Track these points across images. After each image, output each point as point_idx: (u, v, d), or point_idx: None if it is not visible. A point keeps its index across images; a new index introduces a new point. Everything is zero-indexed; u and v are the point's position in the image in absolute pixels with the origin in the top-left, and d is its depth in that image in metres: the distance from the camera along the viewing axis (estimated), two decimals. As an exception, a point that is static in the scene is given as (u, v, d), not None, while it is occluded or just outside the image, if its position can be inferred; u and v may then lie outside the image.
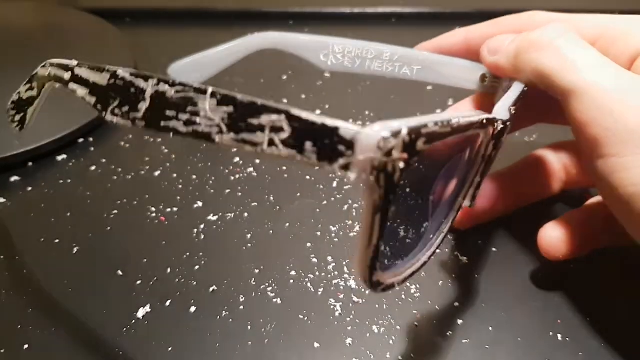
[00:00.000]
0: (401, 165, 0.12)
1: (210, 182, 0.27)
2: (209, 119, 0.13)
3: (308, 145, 0.12)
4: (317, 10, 0.45)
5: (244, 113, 0.13)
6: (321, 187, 0.27)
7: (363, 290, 0.22)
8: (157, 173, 0.28)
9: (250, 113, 0.13)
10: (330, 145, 0.12)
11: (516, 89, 0.20)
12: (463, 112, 0.16)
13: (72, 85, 0.16)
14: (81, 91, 0.16)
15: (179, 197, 0.26)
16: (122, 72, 0.15)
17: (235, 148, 0.13)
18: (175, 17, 0.45)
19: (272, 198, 0.27)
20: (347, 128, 0.12)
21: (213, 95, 0.13)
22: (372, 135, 0.12)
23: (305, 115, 0.12)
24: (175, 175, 0.28)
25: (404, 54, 0.24)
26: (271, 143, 0.13)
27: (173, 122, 0.14)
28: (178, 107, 0.13)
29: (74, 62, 0.16)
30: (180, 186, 0.27)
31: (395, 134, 0.12)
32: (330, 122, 0.12)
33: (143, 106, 0.14)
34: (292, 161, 0.12)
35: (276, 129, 0.12)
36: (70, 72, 0.16)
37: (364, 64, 0.24)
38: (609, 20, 0.21)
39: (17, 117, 0.21)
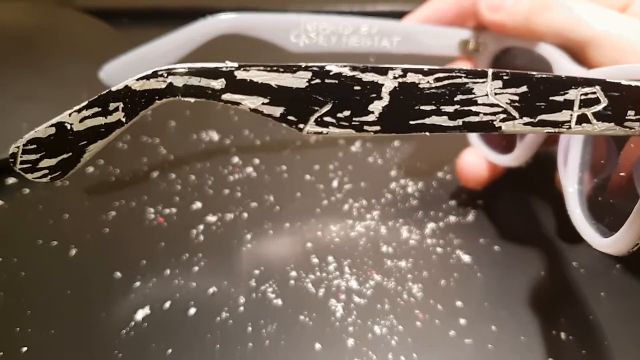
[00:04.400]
0: None
1: (209, 182, 0.27)
2: (490, 105, 0.11)
3: (630, 114, 0.11)
4: (316, 8, 0.45)
5: (543, 91, 0.11)
6: (321, 186, 0.27)
7: (364, 290, 0.22)
8: (155, 174, 0.28)
9: (552, 90, 0.11)
10: None
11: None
12: None
13: (229, 96, 0.12)
14: (250, 102, 0.12)
15: (177, 198, 0.26)
16: (335, 67, 0.12)
17: (525, 132, 0.12)
18: (173, 17, 0.45)
19: (271, 198, 0.26)
20: None
21: (496, 76, 0.11)
22: None
23: (624, 82, 0.11)
24: (173, 175, 0.28)
25: (383, 26, 0.23)
26: (582, 120, 0.11)
27: (431, 118, 0.12)
28: (439, 98, 0.12)
29: (230, 65, 0.12)
30: (178, 187, 0.27)
31: None
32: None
33: (378, 106, 0.12)
34: (603, 134, 0.11)
35: (589, 102, 0.11)
36: (223, 80, 0.12)
37: (341, 41, 0.22)
38: None
39: (49, 162, 0.14)
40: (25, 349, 0.19)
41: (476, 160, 0.24)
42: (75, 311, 0.21)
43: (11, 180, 0.27)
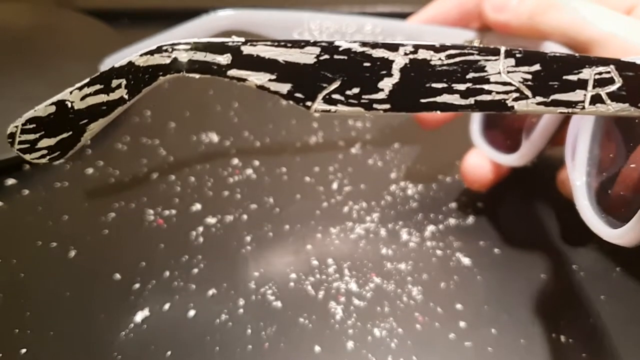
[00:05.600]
0: None
1: (209, 184, 0.27)
2: (503, 83, 0.11)
3: None
4: (315, 9, 0.45)
5: (556, 70, 0.11)
6: (321, 188, 0.27)
7: (364, 293, 0.22)
8: (154, 175, 0.28)
9: (565, 69, 0.11)
10: None
11: None
12: None
13: (235, 72, 0.12)
14: (256, 78, 0.12)
15: (177, 200, 0.26)
16: (345, 43, 0.11)
17: (538, 112, 0.12)
18: (173, 17, 0.45)
19: (271, 200, 0.26)
20: None
21: (509, 54, 0.11)
22: None
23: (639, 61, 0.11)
24: (173, 177, 0.28)
25: (387, 25, 0.22)
26: (595, 100, 0.11)
27: (443, 97, 0.11)
28: (451, 76, 0.11)
29: (237, 39, 0.12)
30: (178, 188, 0.27)
31: None
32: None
33: (388, 83, 0.11)
34: (617, 115, 0.11)
35: (603, 82, 0.11)
36: (229, 55, 0.12)
37: None
38: None
39: (48, 141, 0.13)
40: (24, 350, 0.19)
41: (480, 162, 0.24)
42: (75, 313, 0.21)
43: (11, 181, 0.27)
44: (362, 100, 0.12)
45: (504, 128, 0.24)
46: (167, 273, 0.22)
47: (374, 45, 0.11)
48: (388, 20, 0.22)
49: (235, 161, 0.29)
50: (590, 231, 0.18)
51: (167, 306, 0.21)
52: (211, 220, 0.25)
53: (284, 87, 0.12)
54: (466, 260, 0.23)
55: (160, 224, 0.25)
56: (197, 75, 0.12)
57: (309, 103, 0.12)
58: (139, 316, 0.21)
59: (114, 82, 0.13)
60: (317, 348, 0.20)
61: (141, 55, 0.12)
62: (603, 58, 0.11)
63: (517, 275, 0.23)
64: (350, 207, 0.26)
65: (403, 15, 0.45)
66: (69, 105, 0.13)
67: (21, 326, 0.20)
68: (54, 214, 0.25)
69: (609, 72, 0.11)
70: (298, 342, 0.20)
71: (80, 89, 0.13)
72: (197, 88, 0.35)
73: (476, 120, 0.25)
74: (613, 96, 0.11)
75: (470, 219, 0.25)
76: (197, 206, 0.26)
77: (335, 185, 0.27)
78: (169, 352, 0.19)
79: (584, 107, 0.11)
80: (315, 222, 0.25)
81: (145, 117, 0.32)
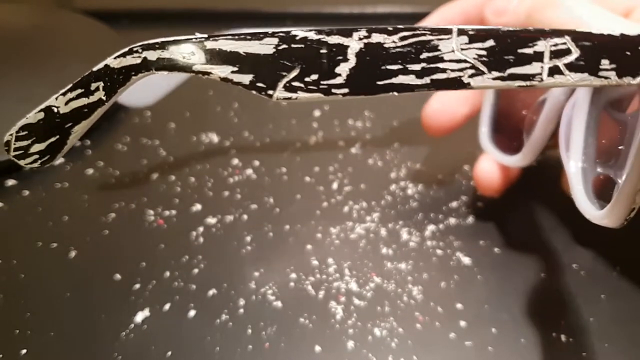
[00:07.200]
0: None
1: (209, 184, 0.27)
2: (457, 61, 0.11)
3: (604, 63, 0.11)
4: (315, 10, 0.45)
5: (510, 44, 0.11)
6: (321, 188, 0.27)
7: (364, 292, 0.22)
8: (155, 176, 0.28)
9: (520, 43, 0.11)
10: (634, 57, 0.11)
11: None
12: None
13: (200, 67, 0.12)
14: (220, 70, 0.12)
15: (177, 200, 0.26)
16: (301, 32, 0.12)
17: (496, 88, 0.12)
18: (173, 18, 0.45)
19: (271, 200, 0.26)
20: None
21: (462, 32, 0.11)
22: None
23: (595, 31, 0.11)
24: (173, 177, 0.28)
25: None
26: (554, 71, 0.11)
27: (398, 78, 0.12)
28: (405, 57, 0.11)
29: (200, 36, 0.12)
30: (178, 189, 0.27)
31: None
32: (631, 31, 0.11)
33: (345, 68, 0.12)
34: (577, 85, 0.11)
35: (559, 53, 0.11)
36: (193, 51, 0.12)
37: None
38: None
39: (39, 146, 0.14)
40: (24, 351, 0.19)
41: (491, 167, 0.24)
42: (75, 313, 0.21)
43: (11, 182, 0.27)
44: (321, 86, 0.12)
45: (510, 130, 0.24)
46: (168, 273, 0.22)
47: (329, 33, 0.12)
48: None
49: (235, 161, 0.29)
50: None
51: (167, 306, 0.21)
52: (211, 220, 0.25)
53: (246, 78, 0.12)
54: (466, 260, 0.23)
55: (160, 224, 0.25)
56: (166, 72, 0.13)
57: (270, 92, 0.12)
58: (139, 316, 0.21)
59: (93, 85, 0.13)
60: (318, 348, 0.20)
61: (115, 58, 0.13)
62: (558, 30, 0.11)
63: (517, 274, 0.23)
64: (351, 207, 0.26)
65: (403, 16, 0.45)
66: (55, 110, 0.13)
67: (21, 326, 0.20)
68: (54, 214, 0.25)
69: (564, 44, 0.11)
70: (298, 342, 0.20)
71: (64, 94, 0.13)
72: (197, 88, 0.35)
73: (485, 123, 0.25)
74: (571, 67, 0.11)
75: (470, 219, 0.25)
76: (197, 206, 0.26)
77: (335, 185, 0.27)
78: (169, 352, 0.19)
79: (542, 80, 0.11)
80: (315, 222, 0.25)
81: (145, 118, 0.32)
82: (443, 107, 0.24)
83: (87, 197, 0.26)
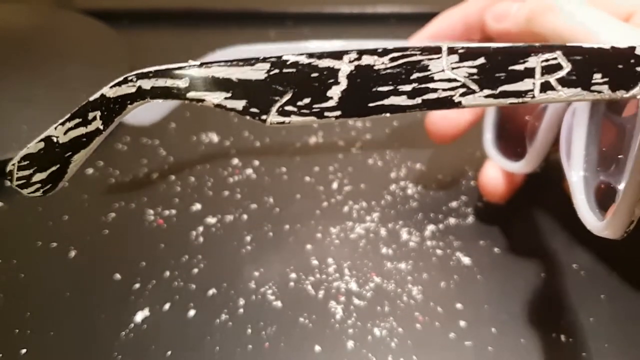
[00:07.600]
0: None
1: (209, 184, 0.27)
2: (448, 80, 0.11)
3: (597, 77, 0.11)
4: (315, 10, 0.45)
5: (501, 62, 0.11)
6: (321, 188, 0.27)
7: (364, 292, 0.22)
8: (154, 175, 0.28)
9: (511, 60, 0.11)
10: (626, 70, 0.11)
11: None
12: None
13: (194, 94, 0.13)
14: (213, 97, 0.12)
15: (177, 200, 0.26)
16: (292, 57, 0.12)
17: (488, 105, 0.12)
18: (173, 18, 0.45)
19: (271, 200, 0.26)
20: None
21: (452, 51, 0.11)
22: None
23: (586, 45, 0.11)
24: (173, 177, 0.28)
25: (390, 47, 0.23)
26: (546, 87, 0.11)
27: (390, 99, 0.12)
28: (396, 78, 0.12)
29: (193, 63, 0.13)
30: (178, 188, 0.27)
31: None
32: (622, 43, 0.11)
33: (337, 90, 0.12)
34: (570, 100, 0.11)
35: (550, 69, 0.11)
36: (186, 78, 0.13)
37: None
38: None
39: (41, 175, 0.14)
40: (24, 350, 0.19)
41: (496, 174, 0.24)
42: (75, 313, 0.21)
43: (11, 181, 0.27)
44: (314, 110, 0.12)
45: (514, 136, 0.24)
46: (167, 273, 0.22)
47: (320, 56, 0.12)
48: (391, 41, 0.22)
49: (235, 161, 0.29)
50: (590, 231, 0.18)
51: (167, 306, 0.21)
52: (211, 220, 0.25)
53: (240, 104, 0.12)
54: (466, 260, 0.23)
55: (160, 224, 0.25)
56: (161, 100, 0.13)
57: (264, 117, 0.12)
58: (139, 316, 0.21)
59: (90, 115, 0.13)
60: (318, 348, 0.20)
61: (111, 87, 0.13)
62: (549, 45, 0.11)
63: (517, 274, 0.23)
64: (350, 206, 0.26)
65: (403, 16, 0.45)
66: (55, 140, 0.14)
67: (21, 326, 0.20)
68: (54, 214, 0.25)
69: (555, 59, 0.11)
70: (298, 341, 0.20)
71: (62, 124, 0.13)
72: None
73: (489, 129, 0.25)
74: (563, 82, 0.11)
75: (470, 219, 0.25)
76: (197, 206, 0.26)
77: (335, 185, 0.27)
78: (169, 352, 0.19)
79: (534, 96, 0.11)
80: (315, 222, 0.25)
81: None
82: (447, 115, 0.24)
83: (87, 197, 0.26)
